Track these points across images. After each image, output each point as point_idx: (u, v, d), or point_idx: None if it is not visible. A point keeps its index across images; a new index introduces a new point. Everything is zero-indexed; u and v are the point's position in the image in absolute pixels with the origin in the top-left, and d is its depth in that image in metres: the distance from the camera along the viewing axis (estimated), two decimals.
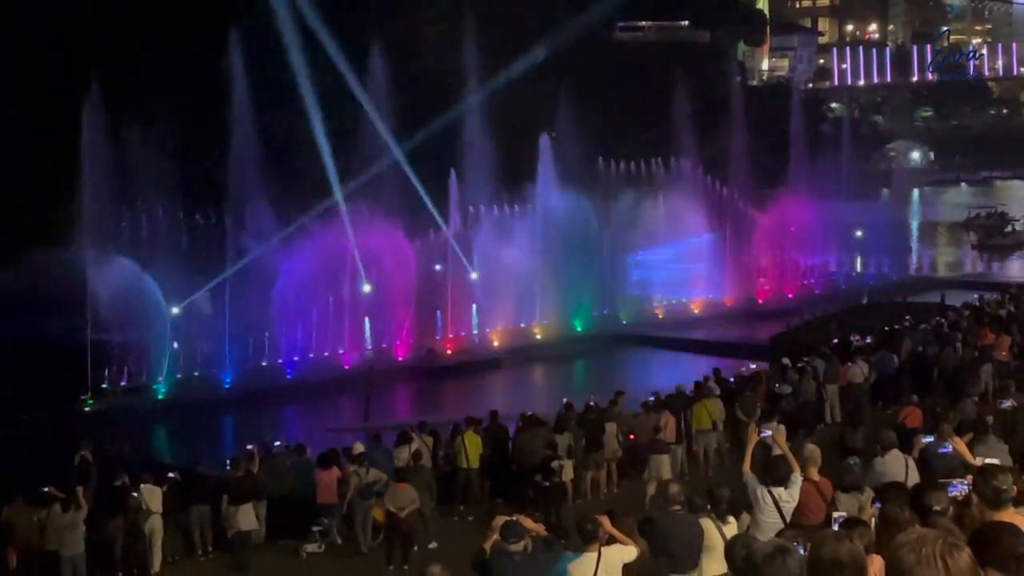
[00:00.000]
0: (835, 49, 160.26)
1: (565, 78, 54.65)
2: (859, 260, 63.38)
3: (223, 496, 20.15)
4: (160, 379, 37.33)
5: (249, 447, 22.30)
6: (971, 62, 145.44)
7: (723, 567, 11.24)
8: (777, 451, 12.98)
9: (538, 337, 46.03)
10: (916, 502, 7.93)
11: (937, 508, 7.71)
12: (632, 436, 23.96)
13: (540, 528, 11.23)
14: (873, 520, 8.08)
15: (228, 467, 22.26)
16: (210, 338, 39.72)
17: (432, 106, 50.50)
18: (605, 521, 10.96)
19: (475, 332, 45.68)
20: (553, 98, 51.83)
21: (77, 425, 33.25)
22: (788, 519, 11.68)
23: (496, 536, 10.78)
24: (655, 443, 22.33)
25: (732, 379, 28.03)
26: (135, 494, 19.49)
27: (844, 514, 8.97)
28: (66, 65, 48.64)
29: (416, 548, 19.31)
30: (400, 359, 42.24)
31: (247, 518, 19.81)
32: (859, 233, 61.72)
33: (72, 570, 18.34)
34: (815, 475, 12.58)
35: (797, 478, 12.07)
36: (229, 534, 19.92)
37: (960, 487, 8.03)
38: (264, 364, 40.15)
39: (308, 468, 21.49)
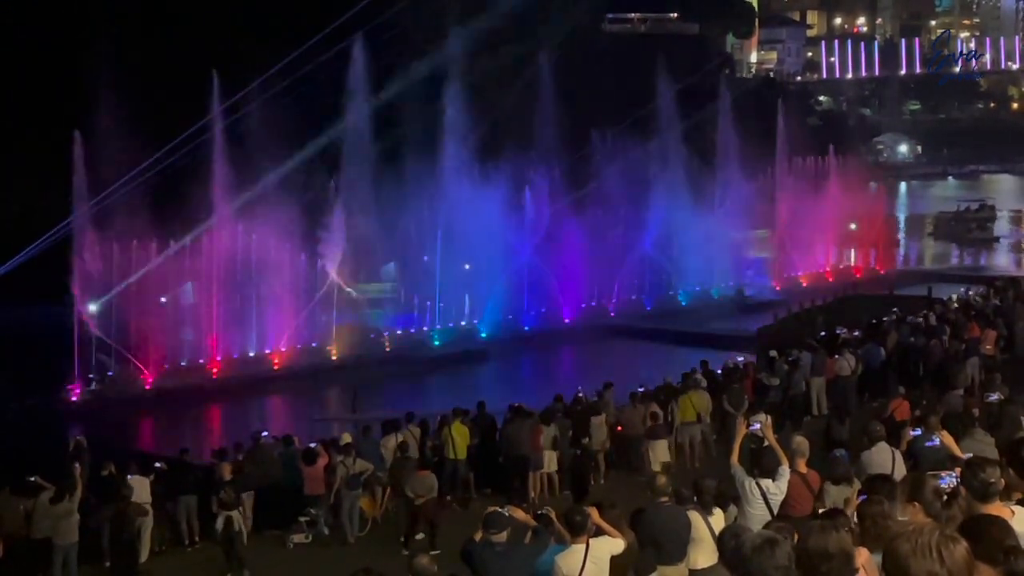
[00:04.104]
0: (823, 42, 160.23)
1: (553, 69, 54.56)
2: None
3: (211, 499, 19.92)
4: (148, 368, 37.23)
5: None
6: (965, 60, 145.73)
7: (711, 559, 11.29)
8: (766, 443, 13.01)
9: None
10: (917, 492, 7.93)
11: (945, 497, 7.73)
12: (620, 428, 23.96)
13: (529, 519, 11.22)
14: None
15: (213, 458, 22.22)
16: (196, 327, 39.61)
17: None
18: (593, 512, 10.96)
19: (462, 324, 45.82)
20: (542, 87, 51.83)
21: (64, 415, 33.19)
22: (776, 511, 11.72)
23: None
24: (652, 429, 22.43)
25: (719, 371, 28.03)
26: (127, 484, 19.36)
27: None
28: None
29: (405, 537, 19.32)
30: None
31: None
32: (853, 226, 61.86)
33: (64, 559, 18.24)
34: (802, 467, 12.62)
35: (785, 470, 12.10)
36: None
37: (949, 479, 8.04)
38: (251, 354, 40.05)
39: (295, 459, 21.45)
